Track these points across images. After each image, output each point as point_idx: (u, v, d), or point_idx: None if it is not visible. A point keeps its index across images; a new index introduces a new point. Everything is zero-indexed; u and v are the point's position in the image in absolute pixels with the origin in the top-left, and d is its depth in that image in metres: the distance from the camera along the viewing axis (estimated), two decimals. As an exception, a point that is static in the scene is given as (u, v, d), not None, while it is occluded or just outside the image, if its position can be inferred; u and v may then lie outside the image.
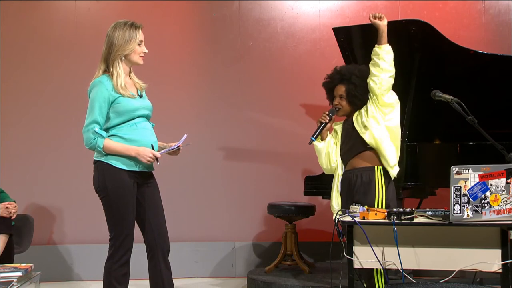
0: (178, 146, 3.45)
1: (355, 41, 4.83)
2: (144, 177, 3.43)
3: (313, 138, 3.73)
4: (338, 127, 3.87)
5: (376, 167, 3.64)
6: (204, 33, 5.90)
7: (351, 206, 3.29)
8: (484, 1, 5.77)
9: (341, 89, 3.78)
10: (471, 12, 5.79)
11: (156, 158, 3.36)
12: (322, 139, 3.80)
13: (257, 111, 5.87)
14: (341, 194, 3.74)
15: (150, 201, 3.46)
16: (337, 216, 3.15)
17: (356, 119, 3.73)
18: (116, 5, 5.77)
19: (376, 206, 3.55)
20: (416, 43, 4.55)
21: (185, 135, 3.48)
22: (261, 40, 5.87)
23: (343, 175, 3.74)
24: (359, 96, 3.70)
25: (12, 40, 5.68)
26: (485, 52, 4.65)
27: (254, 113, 5.86)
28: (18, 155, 5.63)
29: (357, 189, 3.65)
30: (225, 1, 5.85)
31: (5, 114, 5.62)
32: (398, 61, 4.74)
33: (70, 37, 5.74)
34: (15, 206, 4.45)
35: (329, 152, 3.78)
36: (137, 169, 3.36)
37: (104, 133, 3.31)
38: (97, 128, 3.29)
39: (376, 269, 3.47)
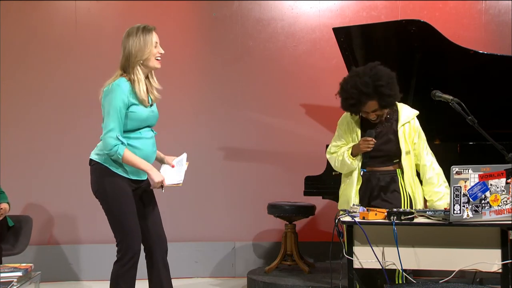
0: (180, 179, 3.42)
1: (355, 41, 4.82)
2: (139, 184, 3.42)
3: (364, 170, 3.57)
4: (356, 121, 3.66)
5: (397, 170, 3.58)
6: (204, 33, 5.90)
7: (351, 206, 3.28)
8: (484, 1, 5.77)
9: (373, 106, 3.48)
10: (471, 12, 5.79)
11: (162, 186, 3.32)
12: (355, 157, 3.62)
13: (257, 111, 5.87)
14: (359, 193, 3.62)
15: (147, 203, 3.46)
16: (337, 216, 3.15)
17: (401, 128, 3.57)
18: (116, 5, 5.77)
19: (403, 206, 3.52)
20: (416, 43, 4.55)
21: (185, 154, 3.50)
22: (261, 40, 5.87)
23: (363, 177, 3.61)
24: (394, 101, 3.52)
25: (12, 40, 5.67)
26: (485, 52, 4.65)
27: (254, 113, 5.86)
28: (18, 155, 5.63)
29: (378, 190, 3.56)
30: (225, 1, 5.85)
31: (5, 114, 5.62)
32: (398, 61, 4.77)
33: (70, 37, 5.73)
34: (1, 208, 4.37)
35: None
36: (132, 178, 3.35)
37: (125, 141, 3.25)
38: (119, 135, 3.23)
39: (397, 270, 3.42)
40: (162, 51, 3.41)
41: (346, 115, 3.71)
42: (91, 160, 3.37)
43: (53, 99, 5.71)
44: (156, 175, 3.29)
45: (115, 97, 3.23)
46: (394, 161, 3.59)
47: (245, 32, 5.86)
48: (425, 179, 3.57)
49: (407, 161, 3.56)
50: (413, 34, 4.51)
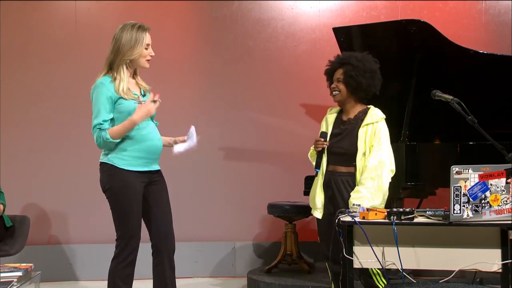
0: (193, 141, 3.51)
1: (355, 41, 4.83)
2: (150, 176, 3.43)
3: (317, 170, 3.67)
4: (331, 117, 3.78)
5: (357, 172, 3.60)
6: (204, 33, 5.90)
7: (351, 206, 3.28)
8: (484, 1, 5.77)
9: (339, 72, 3.70)
10: (471, 12, 5.79)
11: (154, 101, 3.34)
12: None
13: (257, 111, 5.87)
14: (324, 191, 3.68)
15: (157, 200, 3.46)
16: (338, 216, 3.15)
17: (363, 128, 3.60)
18: (116, 5, 5.77)
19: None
20: (416, 43, 4.55)
21: (193, 127, 3.54)
22: (261, 40, 5.87)
23: (325, 176, 3.68)
24: (355, 77, 3.59)
25: (12, 40, 5.67)
26: (485, 52, 4.65)
27: (254, 113, 5.86)
28: (18, 155, 5.62)
29: (343, 193, 3.61)
30: (225, 1, 5.85)
31: (5, 114, 5.62)
32: (398, 61, 4.77)
33: (70, 37, 5.73)
34: None
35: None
36: (142, 169, 3.36)
37: (106, 125, 3.28)
38: (100, 126, 3.28)
39: (372, 269, 3.46)
40: (153, 54, 3.42)
41: (326, 115, 3.84)
42: (99, 161, 3.40)
43: (53, 99, 5.71)
44: (141, 111, 3.28)
45: (98, 94, 3.31)
46: (354, 163, 3.61)
47: (245, 32, 5.86)
48: (360, 179, 3.54)
49: (361, 163, 3.57)
50: (413, 34, 4.51)
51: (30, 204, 5.61)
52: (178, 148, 3.53)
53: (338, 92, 3.69)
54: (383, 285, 3.50)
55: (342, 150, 3.64)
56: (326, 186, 3.67)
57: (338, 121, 3.75)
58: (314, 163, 3.75)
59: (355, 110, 3.71)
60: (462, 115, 3.20)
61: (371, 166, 3.52)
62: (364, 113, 3.68)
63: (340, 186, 3.62)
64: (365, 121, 3.62)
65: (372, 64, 3.67)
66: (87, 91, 3.43)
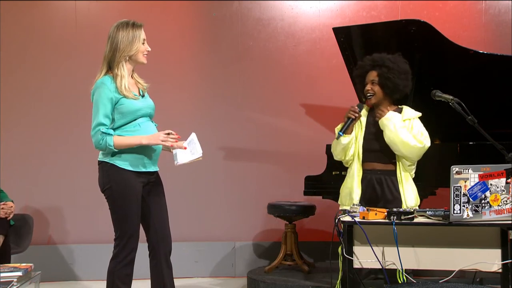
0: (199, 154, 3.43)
1: (355, 41, 4.82)
2: (149, 177, 3.43)
3: (341, 133, 3.63)
4: (363, 116, 3.76)
5: (397, 169, 3.64)
6: (204, 33, 5.90)
7: (351, 206, 3.28)
8: (484, 1, 5.77)
9: (372, 74, 3.69)
10: (471, 12, 5.79)
11: (169, 133, 3.33)
12: (347, 133, 3.67)
13: (257, 111, 5.87)
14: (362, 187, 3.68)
15: (155, 201, 3.46)
16: (337, 216, 3.15)
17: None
18: (116, 5, 5.77)
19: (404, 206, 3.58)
20: (416, 43, 4.54)
21: (193, 134, 3.46)
22: (261, 40, 5.87)
23: (363, 174, 3.68)
24: (392, 78, 3.61)
25: (12, 40, 5.67)
26: (485, 52, 4.65)
27: (254, 113, 5.86)
28: (18, 155, 5.63)
29: (385, 191, 3.64)
30: (225, 1, 5.85)
31: (5, 114, 5.62)
32: (398, 61, 4.75)
33: (70, 37, 5.74)
34: (11, 206, 4.40)
35: (348, 146, 3.69)
36: (142, 170, 3.36)
37: (111, 131, 3.29)
38: (103, 129, 3.27)
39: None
40: (149, 49, 3.44)
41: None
42: (98, 160, 3.40)
43: (53, 99, 5.71)
44: (154, 139, 3.29)
45: (99, 94, 3.30)
46: (392, 160, 3.63)
47: (245, 32, 5.86)
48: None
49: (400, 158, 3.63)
50: (413, 34, 4.51)
51: (30, 204, 5.61)
52: (182, 159, 3.40)
53: (373, 94, 3.68)
54: (400, 281, 3.49)
55: (382, 146, 3.64)
56: (365, 184, 3.67)
57: (371, 120, 3.74)
58: (339, 129, 3.69)
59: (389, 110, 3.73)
60: (462, 115, 3.20)
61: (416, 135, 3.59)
62: (397, 110, 3.71)
63: (382, 184, 3.64)
64: (404, 117, 3.65)
65: (405, 65, 3.69)
66: (87, 91, 3.43)
